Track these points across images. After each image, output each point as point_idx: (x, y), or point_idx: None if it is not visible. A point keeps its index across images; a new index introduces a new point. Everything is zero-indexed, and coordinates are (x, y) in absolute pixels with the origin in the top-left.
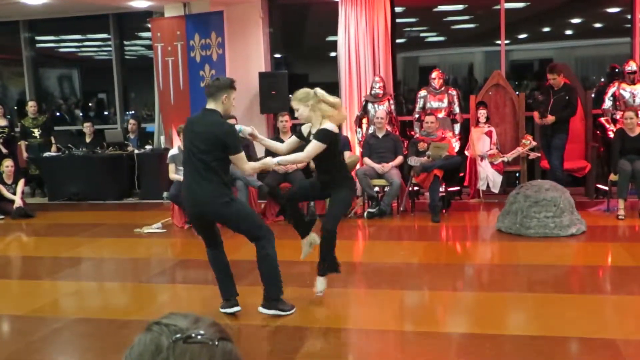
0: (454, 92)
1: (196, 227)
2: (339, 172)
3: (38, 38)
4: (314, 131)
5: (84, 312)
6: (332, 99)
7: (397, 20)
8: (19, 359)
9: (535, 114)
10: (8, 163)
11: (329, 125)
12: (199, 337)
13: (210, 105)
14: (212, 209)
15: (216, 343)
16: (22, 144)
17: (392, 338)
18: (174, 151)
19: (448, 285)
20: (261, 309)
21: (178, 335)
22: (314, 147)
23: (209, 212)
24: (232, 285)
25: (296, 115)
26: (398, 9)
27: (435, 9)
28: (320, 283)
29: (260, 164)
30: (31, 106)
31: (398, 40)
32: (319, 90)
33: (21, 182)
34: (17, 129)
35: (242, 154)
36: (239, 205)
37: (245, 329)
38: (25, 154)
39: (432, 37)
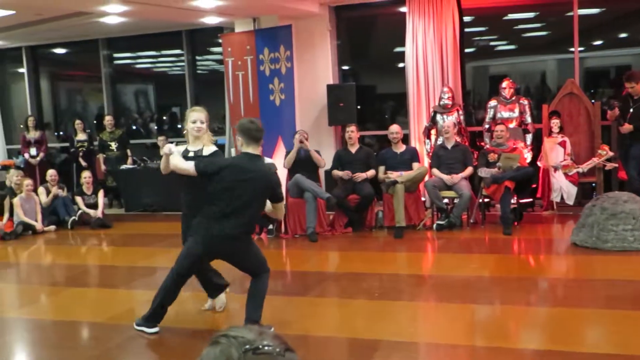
0: (526, 102)
1: (201, 261)
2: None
3: (116, 55)
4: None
5: None
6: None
7: (466, 30)
8: None
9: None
10: (86, 174)
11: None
12: (267, 348)
13: (255, 150)
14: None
15: (283, 354)
16: (101, 157)
17: (463, 353)
18: None
19: (520, 300)
20: None
21: (247, 347)
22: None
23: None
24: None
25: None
26: (467, 18)
27: (506, 18)
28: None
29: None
30: (108, 120)
31: (467, 50)
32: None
33: (101, 194)
34: (96, 143)
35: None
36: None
37: (314, 339)
38: (103, 167)
39: (502, 46)
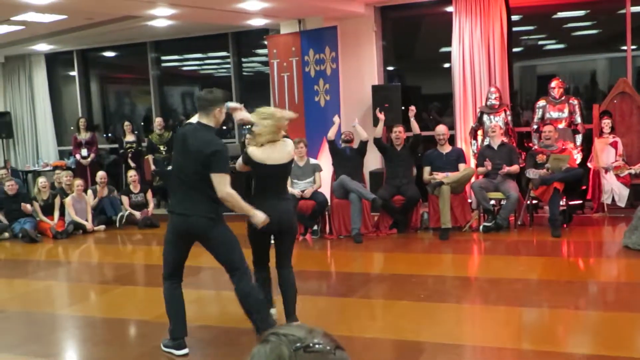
0: (575, 102)
1: (176, 247)
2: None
3: (163, 58)
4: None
5: (204, 319)
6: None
7: (514, 29)
8: None
9: None
10: (132, 173)
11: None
12: (318, 346)
13: (203, 119)
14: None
15: (334, 352)
16: (149, 157)
17: (510, 356)
18: None
19: (569, 303)
20: None
21: (298, 344)
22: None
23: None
24: (184, 324)
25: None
26: (514, 17)
27: (555, 16)
28: None
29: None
30: (158, 123)
31: (514, 49)
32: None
33: (150, 193)
34: (144, 144)
35: (226, 176)
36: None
37: (359, 341)
38: (152, 167)
39: (551, 45)
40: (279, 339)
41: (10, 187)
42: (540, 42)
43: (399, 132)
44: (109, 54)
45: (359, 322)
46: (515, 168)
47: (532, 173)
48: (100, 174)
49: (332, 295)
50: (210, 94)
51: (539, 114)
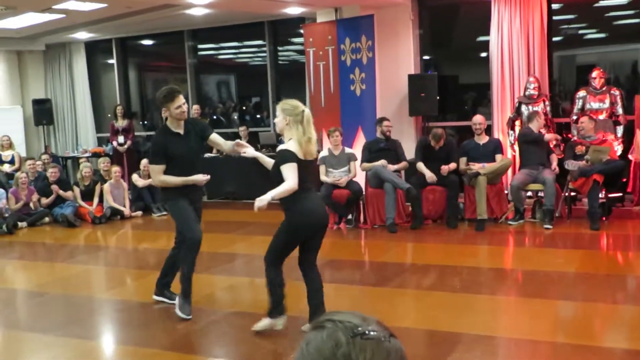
0: (617, 92)
1: None
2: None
3: (200, 46)
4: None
5: (238, 305)
6: (310, 132)
7: (554, 18)
8: (183, 345)
9: None
10: None
11: (290, 145)
12: (373, 333)
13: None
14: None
15: (389, 340)
16: None
17: (545, 349)
18: (324, 153)
19: (607, 297)
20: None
21: (355, 331)
22: (285, 171)
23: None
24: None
25: (275, 120)
26: (555, 6)
27: (597, 4)
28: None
29: (181, 180)
30: (195, 110)
31: (554, 38)
32: (307, 111)
33: None
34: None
35: (153, 166)
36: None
37: (394, 331)
38: None
39: (592, 34)
40: (335, 325)
41: (53, 173)
42: (580, 31)
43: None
44: (147, 42)
45: (393, 312)
46: (403, 165)
47: (571, 164)
48: (144, 162)
49: (365, 285)
50: (157, 95)
51: (579, 104)
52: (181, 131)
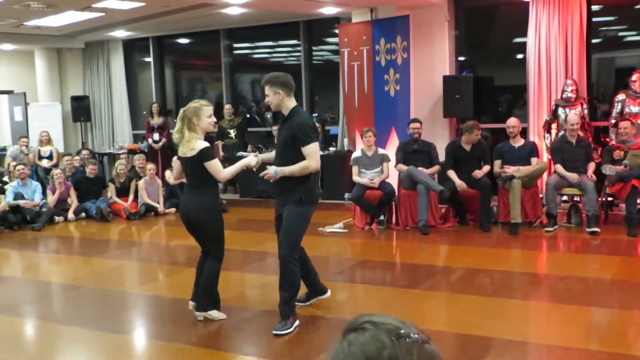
0: None
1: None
2: (299, 180)
3: (235, 45)
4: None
5: (270, 304)
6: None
7: (593, 19)
8: (214, 342)
9: None
10: None
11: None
12: (416, 336)
13: None
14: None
15: (429, 342)
16: (219, 143)
17: (578, 356)
18: (357, 154)
19: None
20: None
21: (400, 332)
22: (315, 149)
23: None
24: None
25: (266, 100)
26: (595, 7)
27: (637, 6)
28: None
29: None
30: (227, 109)
31: (593, 40)
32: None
33: None
34: (215, 130)
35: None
36: None
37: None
38: (221, 153)
39: (632, 36)
40: (376, 327)
41: (93, 170)
42: (620, 33)
43: (476, 134)
44: (183, 40)
45: (423, 314)
46: (593, 167)
47: (608, 169)
48: (176, 159)
49: (396, 286)
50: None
51: (617, 108)
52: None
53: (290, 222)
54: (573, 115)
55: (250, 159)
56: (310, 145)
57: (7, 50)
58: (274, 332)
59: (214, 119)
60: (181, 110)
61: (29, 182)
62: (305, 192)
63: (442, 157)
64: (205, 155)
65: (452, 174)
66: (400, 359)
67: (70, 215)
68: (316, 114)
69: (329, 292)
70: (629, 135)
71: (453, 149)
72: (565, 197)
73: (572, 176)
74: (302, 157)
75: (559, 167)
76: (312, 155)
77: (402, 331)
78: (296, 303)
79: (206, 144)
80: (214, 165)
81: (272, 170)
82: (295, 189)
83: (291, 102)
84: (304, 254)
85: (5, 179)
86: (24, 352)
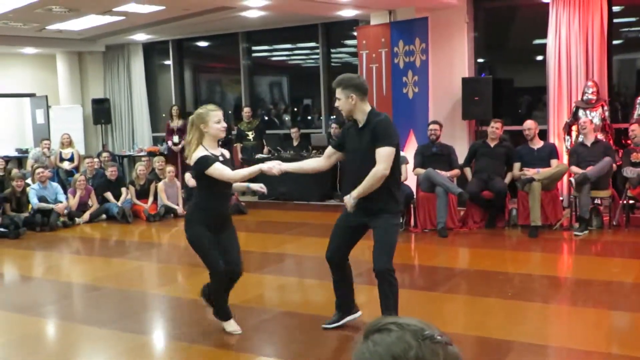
0: None
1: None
2: (391, 189)
3: (254, 48)
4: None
5: (288, 306)
6: None
7: (614, 20)
8: (234, 344)
9: None
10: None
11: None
12: (439, 337)
13: None
14: None
15: (451, 344)
16: (238, 145)
17: None
18: None
19: None
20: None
21: (425, 334)
22: (389, 153)
23: None
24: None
25: (336, 104)
26: (616, 8)
27: None
28: None
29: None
30: (246, 112)
31: (614, 42)
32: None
33: None
34: (234, 132)
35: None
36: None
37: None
38: (240, 155)
39: None
40: (401, 328)
41: (112, 172)
42: None
43: (496, 128)
44: (203, 43)
45: (442, 317)
46: (455, 172)
47: (629, 172)
48: None
49: (415, 289)
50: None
51: (638, 110)
52: None
53: (389, 233)
54: (584, 117)
55: (269, 165)
56: (388, 148)
57: (30, 54)
58: None
59: (224, 125)
60: (190, 117)
61: (49, 184)
62: (397, 200)
63: (461, 158)
64: (201, 165)
65: (467, 172)
66: (427, 359)
67: (86, 217)
68: (334, 116)
69: (359, 313)
70: (638, 137)
71: (475, 147)
72: (597, 200)
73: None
74: None
75: (573, 168)
76: (385, 158)
77: (427, 332)
78: (325, 327)
79: (202, 153)
80: (217, 170)
81: (348, 200)
82: (386, 197)
83: (367, 106)
84: (350, 269)
85: (29, 180)
86: (45, 352)
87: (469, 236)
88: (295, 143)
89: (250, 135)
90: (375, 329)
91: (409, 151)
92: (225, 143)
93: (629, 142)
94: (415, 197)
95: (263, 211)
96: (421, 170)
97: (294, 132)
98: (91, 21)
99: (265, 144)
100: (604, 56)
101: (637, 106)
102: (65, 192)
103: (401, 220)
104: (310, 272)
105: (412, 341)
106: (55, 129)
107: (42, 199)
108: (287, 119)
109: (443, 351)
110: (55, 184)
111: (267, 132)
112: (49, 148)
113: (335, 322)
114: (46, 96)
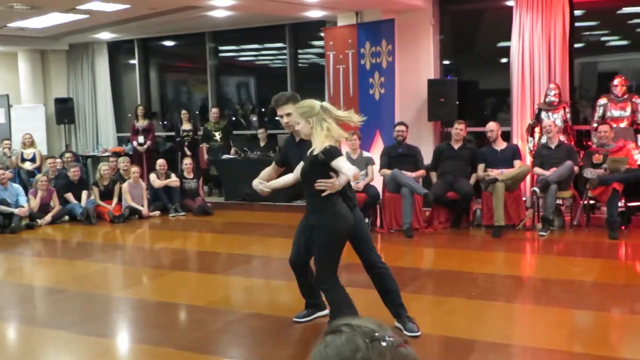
0: (639, 100)
1: None
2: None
3: (221, 48)
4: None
5: (255, 307)
6: (341, 112)
7: (576, 24)
8: (199, 345)
9: None
10: (187, 161)
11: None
12: (390, 339)
13: None
14: None
15: (405, 346)
16: (204, 146)
17: (561, 359)
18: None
19: (625, 307)
20: None
21: (375, 335)
22: (342, 163)
23: None
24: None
25: (296, 127)
26: (577, 12)
27: (619, 12)
28: None
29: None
30: (214, 113)
31: (576, 45)
32: (325, 104)
33: (201, 181)
34: (200, 132)
35: None
36: None
37: (407, 335)
38: (206, 156)
39: (614, 41)
40: (352, 330)
41: (75, 172)
42: (603, 38)
43: (460, 129)
44: (169, 43)
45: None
46: (420, 173)
47: (589, 173)
48: (160, 162)
49: None
50: None
51: (599, 112)
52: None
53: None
54: (547, 119)
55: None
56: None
57: None
58: (413, 334)
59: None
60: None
61: (10, 185)
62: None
63: (427, 159)
64: None
65: (433, 175)
66: None
67: (48, 218)
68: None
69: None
70: (608, 138)
71: (440, 150)
72: (559, 201)
73: (547, 172)
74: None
75: (536, 169)
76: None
77: (377, 334)
78: (295, 320)
79: None
80: None
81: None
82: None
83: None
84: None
85: None
86: (6, 357)
87: (435, 236)
88: (262, 144)
89: (217, 135)
90: (330, 330)
91: (375, 152)
92: (192, 143)
93: (590, 143)
94: (381, 197)
95: (229, 212)
96: (387, 171)
97: (261, 132)
98: (54, 19)
99: (232, 144)
100: (565, 59)
101: (598, 108)
102: (27, 193)
103: (367, 221)
104: (277, 274)
105: (360, 343)
106: (17, 129)
107: (2, 201)
108: (254, 119)
109: (391, 353)
110: (17, 186)
111: (234, 132)
112: (9, 148)
113: (306, 317)
114: (7, 95)
